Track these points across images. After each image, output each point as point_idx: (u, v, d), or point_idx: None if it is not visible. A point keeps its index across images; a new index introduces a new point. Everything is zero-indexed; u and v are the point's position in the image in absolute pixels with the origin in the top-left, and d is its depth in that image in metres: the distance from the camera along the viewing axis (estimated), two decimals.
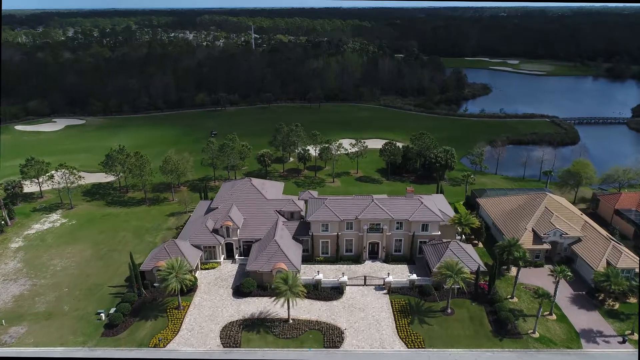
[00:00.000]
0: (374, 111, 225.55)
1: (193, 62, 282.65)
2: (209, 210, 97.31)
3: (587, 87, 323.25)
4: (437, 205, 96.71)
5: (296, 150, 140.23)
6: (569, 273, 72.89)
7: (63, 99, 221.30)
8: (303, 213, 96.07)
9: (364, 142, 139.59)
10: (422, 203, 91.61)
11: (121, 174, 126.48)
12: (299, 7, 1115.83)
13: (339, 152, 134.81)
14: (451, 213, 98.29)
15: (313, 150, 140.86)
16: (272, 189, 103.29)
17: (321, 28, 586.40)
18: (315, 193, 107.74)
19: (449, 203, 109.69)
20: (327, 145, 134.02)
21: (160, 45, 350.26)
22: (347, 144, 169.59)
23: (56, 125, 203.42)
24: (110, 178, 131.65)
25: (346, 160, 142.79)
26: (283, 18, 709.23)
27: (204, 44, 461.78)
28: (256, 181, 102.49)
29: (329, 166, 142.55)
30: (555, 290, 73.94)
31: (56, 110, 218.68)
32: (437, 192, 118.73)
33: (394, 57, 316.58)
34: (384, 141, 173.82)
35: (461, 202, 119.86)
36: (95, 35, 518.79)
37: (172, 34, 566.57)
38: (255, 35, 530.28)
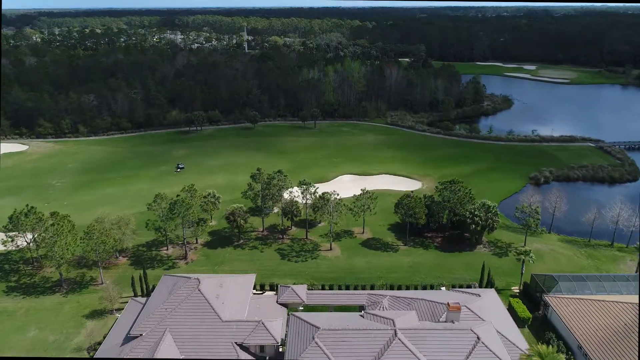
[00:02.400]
0: (381, 132, 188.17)
1: (170, 70, 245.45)
2: (128, 338, 60.10)
3: (619, 98, 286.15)
4: (492, 318, 60.68)
5: (279, 203, 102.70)
6: None
7: (8, 117, 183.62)
8: (280, 339, 59.46)
9: (373, 193, 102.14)
10: (478, 339, 54.56)
11: (31, 244, 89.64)
12: (297, 7, 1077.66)
13: (339, 208, 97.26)
14: (515, 335, 61.64)
15: (302, 198, 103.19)
16: (234, 295, 65.80)
17: (319, 28, 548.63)
18: (301, 290, 70.93)
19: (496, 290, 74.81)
20: (323, 198, 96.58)
21: (140, 49, 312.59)
22: (348, 183, 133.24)
23: None
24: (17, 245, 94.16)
25: (348, 209, 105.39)
26: (279, 18, 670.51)
27: (194, 46, 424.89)
28: (207, 285, 64.80)
29: (325, 220, 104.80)
30: None
31: None
32: (481, 277, 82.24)
33: (401, 63, 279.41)
34: (395, 178, 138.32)
35: (516, 292, 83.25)
36: (75, 36, 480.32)
37: (162, 36, 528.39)
38: (248, 38, 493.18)
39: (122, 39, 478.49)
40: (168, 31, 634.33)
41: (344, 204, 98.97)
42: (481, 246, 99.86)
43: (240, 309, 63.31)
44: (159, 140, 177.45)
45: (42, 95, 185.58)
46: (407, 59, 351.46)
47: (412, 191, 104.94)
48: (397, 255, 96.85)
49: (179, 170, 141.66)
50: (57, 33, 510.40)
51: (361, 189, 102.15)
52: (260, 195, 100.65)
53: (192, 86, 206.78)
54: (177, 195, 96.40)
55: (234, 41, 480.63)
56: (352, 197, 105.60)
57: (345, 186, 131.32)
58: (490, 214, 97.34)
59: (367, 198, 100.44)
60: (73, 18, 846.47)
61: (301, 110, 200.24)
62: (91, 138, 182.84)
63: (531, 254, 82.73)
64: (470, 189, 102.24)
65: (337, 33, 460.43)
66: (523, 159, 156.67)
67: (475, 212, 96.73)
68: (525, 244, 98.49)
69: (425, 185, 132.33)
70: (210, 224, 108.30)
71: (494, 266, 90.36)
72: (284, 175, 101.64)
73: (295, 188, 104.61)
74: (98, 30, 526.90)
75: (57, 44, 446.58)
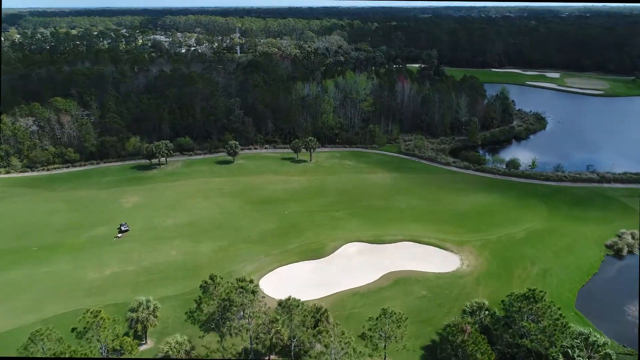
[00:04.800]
0: (394, 167, 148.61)
1: (142, 81, 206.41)
2: None
3: None
4: None
5: (247, 331, 63.41)
6: None
7: None
8: None
9: (402, 315, 62.83)
10: None
11: None
12: (296, 7, 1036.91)
13: (344, 347, 58.06)
14: None
15: (285, 321, 63.90)
16: None
17: (318, 29, 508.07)
18: None
19: None
20: (320, 341, 57.56)
21: (112, 56, 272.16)
22: (356, 258, 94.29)
23: None
24: None
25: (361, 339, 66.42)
26: (276, 19, 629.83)
27: (182, 50, 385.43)
28: None
29: (325, 343, 65.09)
30: None
31: None
32: None
33: (411, 71, 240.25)
34: (421, 248, 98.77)
35: None
36: (49, 39, 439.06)
37: (148, 37, 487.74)
38: (241, 40, 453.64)
39: (103, 42, 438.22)
40: (158, 31, 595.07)
41: (352, 344, 59.27)
42: None
43: None
44: (109, 180, 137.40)
45: None
46: (415, 65, 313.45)
47: (468, 323, 64.27)
48: None
49: (120, 236, 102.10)
50: (30, 34, 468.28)
51: (382, 309, 62.65)
52: (216, 318, 61.19)
53: (160, 105, 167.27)
54: (78, 321, 57.23)
55: (225, 44, 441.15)
56: (365, 285, 66.02)
57: (353, 264, 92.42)
58: (597, 355, 58.37)
59: (391, 323, 61.37)
60: (61, 18, 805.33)
61: (295, 137, 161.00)
62: (26, 174, 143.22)
63: None
64: (559, 308, 62.80)
65: (337, 36, 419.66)
66: (587, 211, 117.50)
67: (576, 355, 57.63)
68: None
69: (466, 263, 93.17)
70: (142, 348, 68.94)
71: None
72: (252, 291, 61.64)
73: (277, 297, 65.54)
74: (74, 32, 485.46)
75: (33, 46, 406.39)
